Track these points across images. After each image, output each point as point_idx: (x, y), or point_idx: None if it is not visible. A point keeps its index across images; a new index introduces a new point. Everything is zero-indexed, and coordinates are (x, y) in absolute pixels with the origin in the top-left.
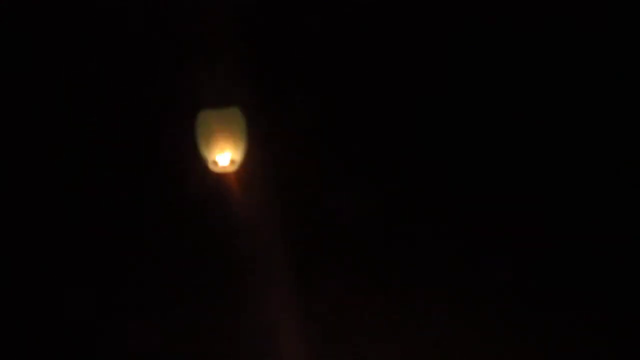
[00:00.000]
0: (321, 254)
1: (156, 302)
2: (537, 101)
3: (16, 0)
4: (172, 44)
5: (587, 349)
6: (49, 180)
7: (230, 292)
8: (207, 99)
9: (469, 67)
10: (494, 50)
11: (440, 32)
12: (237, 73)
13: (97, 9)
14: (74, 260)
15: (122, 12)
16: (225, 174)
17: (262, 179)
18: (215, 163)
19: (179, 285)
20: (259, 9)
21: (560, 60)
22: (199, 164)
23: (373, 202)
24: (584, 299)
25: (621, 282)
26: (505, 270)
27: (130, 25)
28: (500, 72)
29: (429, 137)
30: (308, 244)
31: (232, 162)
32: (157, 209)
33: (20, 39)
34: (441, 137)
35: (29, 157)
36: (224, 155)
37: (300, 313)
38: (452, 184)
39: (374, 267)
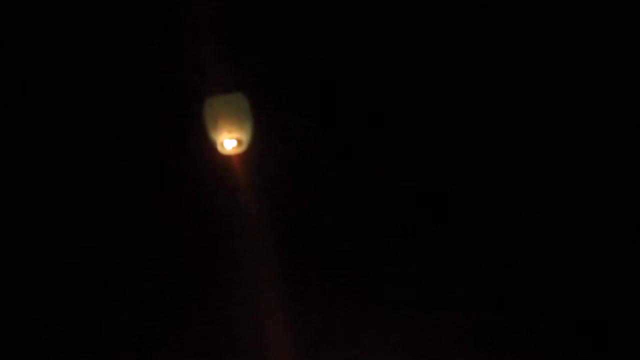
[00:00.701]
0: (322, 242)
1: (158, 288)
2: (535, 101)
3: None
4: (180, 31)
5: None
6: (53, 167)
7: (236, 272)
8: (214, 84)
9: (469, 65)
10: (491, 50)
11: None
12: (243, 59)
13: None
14: (72, 247)
15: None
16: (233, 156)
17: (268, 161)
18: (222, 145)
19: (182, 268)
20: None
21: (560, 60)
22: (207, 146)
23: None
24: (583, 298)
25: (621, 282)
26: (502, 279)
27: (137, 12)
28: (496, 71)
29: (431, 136)
30: (310, 230)
31: (239, 143)
32: (166, 191)
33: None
34: (446, 137)
35: (35, 140)
36: (231, 138)
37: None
38: (454, 186)
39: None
